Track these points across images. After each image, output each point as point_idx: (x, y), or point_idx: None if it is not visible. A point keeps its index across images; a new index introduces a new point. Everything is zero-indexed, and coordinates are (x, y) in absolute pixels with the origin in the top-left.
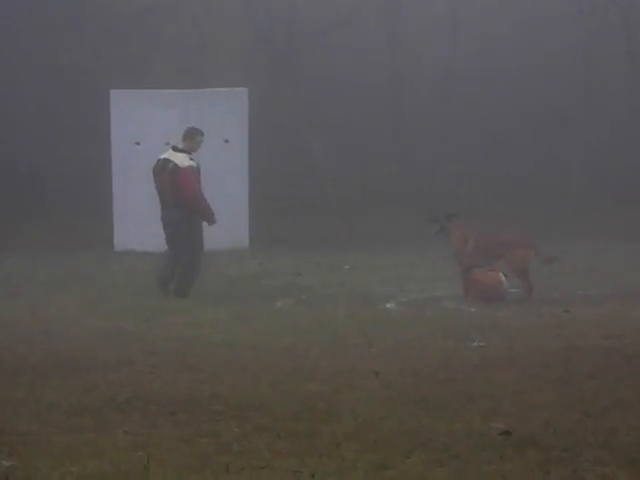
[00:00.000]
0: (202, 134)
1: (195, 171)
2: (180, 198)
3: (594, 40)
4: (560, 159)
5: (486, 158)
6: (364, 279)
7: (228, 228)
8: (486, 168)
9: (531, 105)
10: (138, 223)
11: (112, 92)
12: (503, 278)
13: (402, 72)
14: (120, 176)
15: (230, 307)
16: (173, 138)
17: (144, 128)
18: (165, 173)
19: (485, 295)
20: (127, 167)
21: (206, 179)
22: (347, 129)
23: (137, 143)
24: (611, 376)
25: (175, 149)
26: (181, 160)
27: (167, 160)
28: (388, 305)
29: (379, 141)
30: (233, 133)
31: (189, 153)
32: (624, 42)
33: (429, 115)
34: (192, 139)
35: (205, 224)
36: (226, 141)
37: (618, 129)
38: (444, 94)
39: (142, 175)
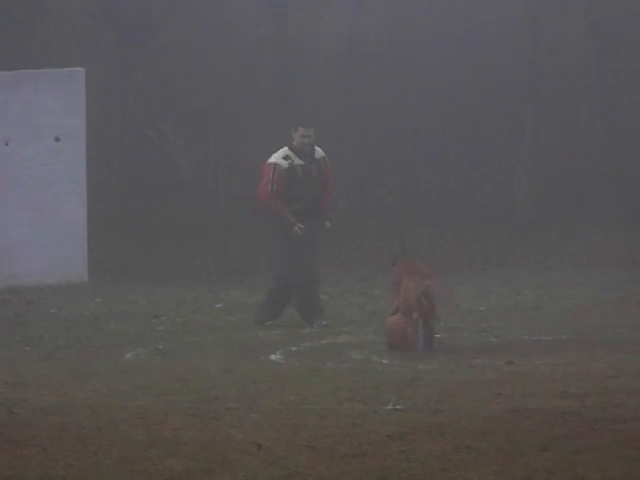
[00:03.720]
0: (304, 125)
1: (280, 170)
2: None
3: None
4: (501, 165)
5: (400, 162)
6: (243, 322)
7: (60, 257)
8: (400, 174)
9: (461, 95)
10: None
11: None
12: (412, 319)
13: (293, 46)
14: None
15: (64, 360)
16: None
17: None
18: None
19: (389, 341)
20: None
21: (30, 192)
22: (224, 121)
23: None
24: (569, 448)
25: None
26: (272, 157)
27: None
28: (274, 356)
29: (263, 136)
30: (65, 129)
31: (294, 150)
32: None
33: (330, 101)
34: (295, 132)
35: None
36: (57, 140)
37: (579, 131)
38: (347, 76)
39: None
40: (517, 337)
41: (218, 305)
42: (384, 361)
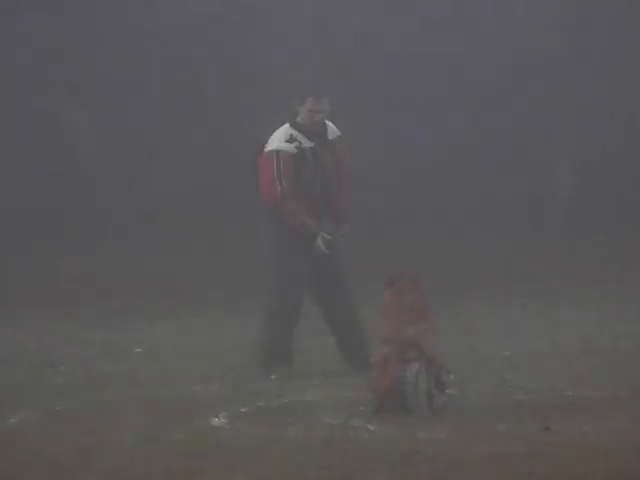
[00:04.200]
0: (315, 96)
1: (287, 157)
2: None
3: None
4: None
5: (397, 147)
6: (171, 371)
7: None
8: (397, 164)
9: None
10: None
11: None
12: (407, 373)
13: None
14: None
15: None
16: None
17: None
18: None
19: (378, 399)
20: None
21: None
22: (146, 97)
23: None
24: None
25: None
26: (270, 141)
27: None
28: (216, 420)
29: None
30: None
31: (299, 128)
32: None
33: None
34: (302, 104)
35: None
36: None
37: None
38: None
39: None
40: (556, 393)
41: (138, 349)
42: (370, 427)
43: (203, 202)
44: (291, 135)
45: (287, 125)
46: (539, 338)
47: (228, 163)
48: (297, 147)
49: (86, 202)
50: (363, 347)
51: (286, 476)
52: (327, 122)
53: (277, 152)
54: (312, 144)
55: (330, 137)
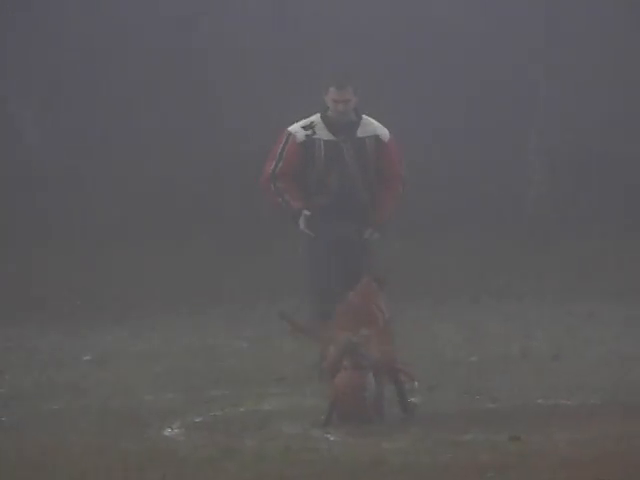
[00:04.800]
0: (337, 85)
1: (294, 143)
2: None
3: None
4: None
5: None
6: (123, 379)
7: None
8: None
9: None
10: None
11: None
12: (367, 379)
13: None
14: None
15: None
16: None
17: None
18: None
19: (339, 408)
20: None
21: None
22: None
23: None
24: None
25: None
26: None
27: None
28: (169, 431)
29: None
30: None
31: (326, 120)
32: None
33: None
34: (326, 92)
35: None
36: None
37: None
38: None
39: None
40: (525, 401)
41: (87, 356)
42: (331, 437)
43: (155, 203)
44: (311, 123)
45: (317, 115)
46: (507, 343)
47: (188, 162)
48: (307, 136)
49: (33, 203)
50: None
51: None
52: (367, 118)
53: (289, 134)
54: (332, 137)
55: (360, 134)
